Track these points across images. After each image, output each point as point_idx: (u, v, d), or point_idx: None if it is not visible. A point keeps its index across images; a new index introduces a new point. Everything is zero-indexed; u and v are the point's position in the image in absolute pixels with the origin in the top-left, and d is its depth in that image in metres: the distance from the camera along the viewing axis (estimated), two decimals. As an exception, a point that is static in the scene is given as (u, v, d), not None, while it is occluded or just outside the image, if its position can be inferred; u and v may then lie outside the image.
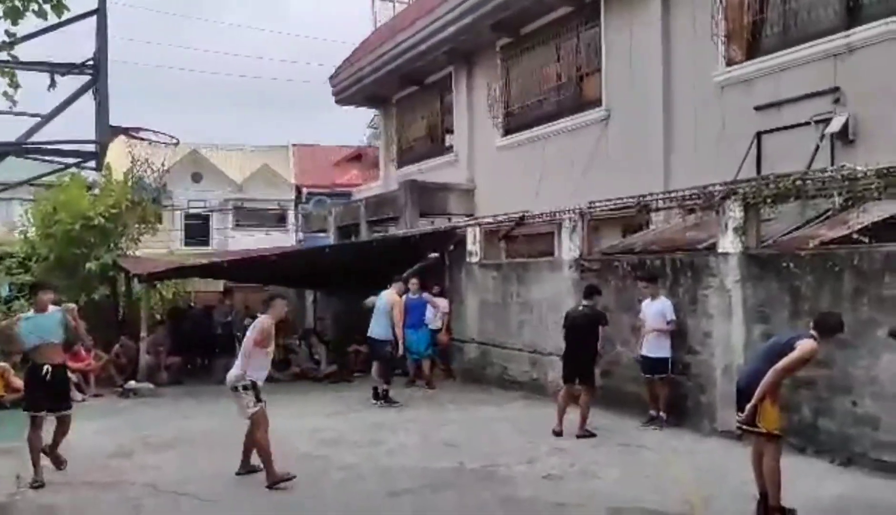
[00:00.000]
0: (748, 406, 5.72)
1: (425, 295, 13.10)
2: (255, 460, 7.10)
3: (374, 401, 11.27)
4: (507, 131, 16.21)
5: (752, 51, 10.95)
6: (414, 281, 12.90)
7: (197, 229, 35.26)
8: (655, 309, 9.23)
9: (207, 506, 6.49)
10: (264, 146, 39.82)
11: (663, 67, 12.12)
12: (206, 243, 34.69)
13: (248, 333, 7.31)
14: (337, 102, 22.44)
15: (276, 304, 7.41)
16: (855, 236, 7.71)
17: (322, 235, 21.57)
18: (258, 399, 7.00)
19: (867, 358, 7.21)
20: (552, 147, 14.58)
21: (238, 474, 7.19)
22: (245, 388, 6.98)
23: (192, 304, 17.45)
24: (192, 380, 13.90)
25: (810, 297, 7.77)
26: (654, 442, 8.38)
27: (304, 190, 35.50)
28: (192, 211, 35.20)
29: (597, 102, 13.66)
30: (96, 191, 16.39)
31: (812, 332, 5.84)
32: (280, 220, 36.40)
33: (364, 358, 13.86)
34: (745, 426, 5.89)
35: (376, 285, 12.19)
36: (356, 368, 14.30)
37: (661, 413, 9.13)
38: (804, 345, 5.68)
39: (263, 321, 7.23)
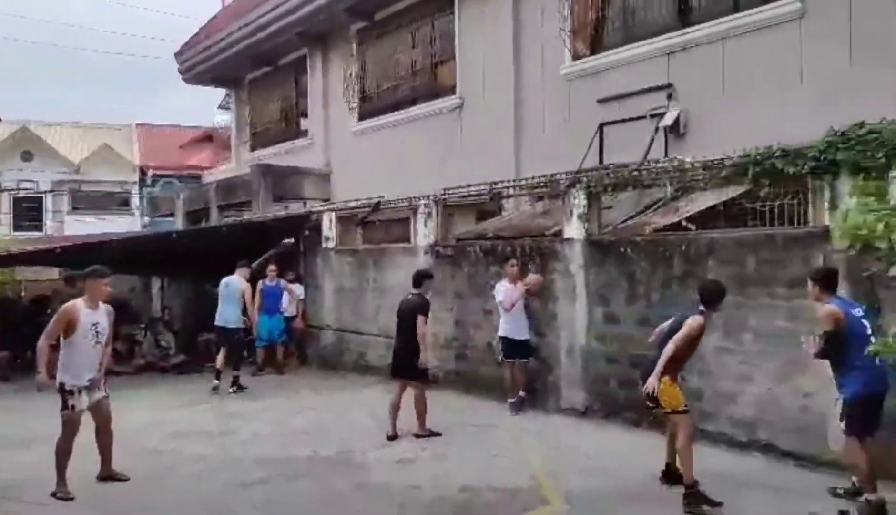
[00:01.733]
0: (645, 386, 5.94)
1: (282, 282, 12.88)
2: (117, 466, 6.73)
3: (231, 390, 11.08)
4: (363, 116, 16.13)
5: (596, 46, 11.50)
6: (272, 267, 12.66)
7: (28, 214, 32.59)
8: (516, 293, 9.20)
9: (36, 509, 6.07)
10: (104, 125, 37.33)
11: (514, 58, 12.47)
12: (39, 228, 32.12)
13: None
14: (184, 80, 21.42)
15: (88, 284, 6.43)
16: (684, 223, 8.31)
17: (170, 219, 20.60)
18: (66, 405, 6.29)
19: (694, 336, 7.80)
20: (408, 133, 14.66)
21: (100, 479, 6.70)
22: (59, 390, 6.32)
23: (22, 294, 16.16)
24: (21, 376, 12.87)
25: (645, 281, 8.31)
26: (505, 422, 8.68)
27: (150, 172, 33.71)
28: (22, 194, 32.49)
29: (451, 90, 13.86)
30: None
31: (700, 307, 6.03)
32: (123, 204, 34.32)
33: (216, 347, 13.42)
34: (652, 405, 6.08)
35: (228, 272, 11.81)
36: (207, 357, 13.79)
37: (521, 393, 9.23)
38: (690, 322, 5.92)
39: (66, 306, 6.39)
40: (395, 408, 8.18)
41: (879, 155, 6.31)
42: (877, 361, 5.31)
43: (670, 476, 6.23)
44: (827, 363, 5.72)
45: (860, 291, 6.34)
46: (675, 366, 6.02)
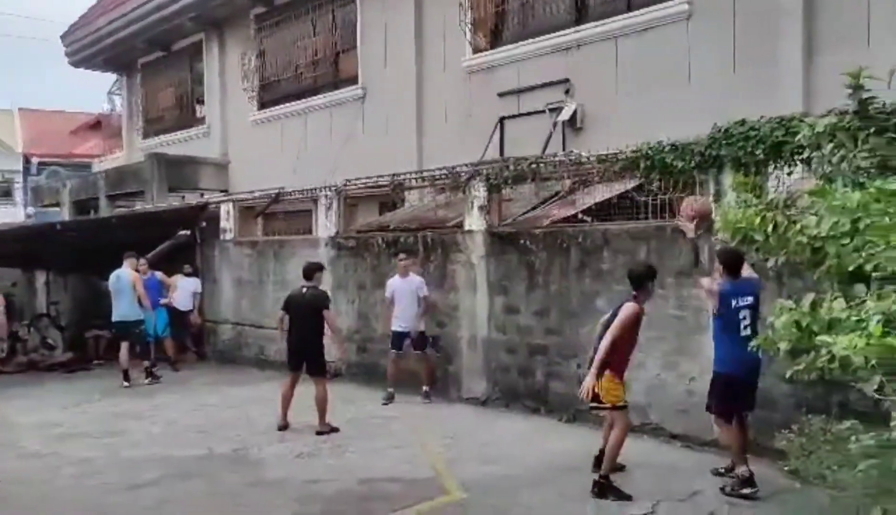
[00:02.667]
0: (584, 384, 5.82)
1: (157, 274, 12.40)
2: None
3: (146, 381, 11.02)
4: (263, 105, 15.77)
5: (496, 40, 11.65)
6: (143, 261, 11.98)
7: None
8: (414, 285, 9.31)
9: None
10: (-17, 108, 35.02)
11: (416, 50, 12.48)
12: None
13: None
14: (72, 64, 20.34)
15: None
16: (580, 215, 8.54)
17: (55, 210, 19.53)
18: None
19: (589, 325, 8.01)
20: (310, 123, 14.44)
21: None
22: None
23: None
24: None
25: (543, 271, 8.49)
26: (405, 414, 8.69)
27: (35, 160, 31.86)
28: None
29: (353, 80, 13.73)
30: None
31: (632, 293, 5.92)
32: (5, 194, 32.30)
33: (106, 344, 12.85)
34: (592, 405, 5.91)
35: (119, 265, 11.29)
36: (96, 355, 13.18)
37: (425, 387, 9.31)
38: (624, 311, 5.79)
39: None
40: (287, 400, 8.07)
41: (758, 151, 6.67)
42: (747, 348, 5.60)
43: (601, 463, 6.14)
44: (712, 346, 6.01)
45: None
46: (618, 359, 5.85)
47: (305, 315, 8.04)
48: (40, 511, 5.86)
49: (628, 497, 5.66)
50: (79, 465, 6.93)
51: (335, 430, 7.86)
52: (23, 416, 8.90)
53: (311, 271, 8.32)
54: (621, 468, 6.17)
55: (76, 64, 20.41)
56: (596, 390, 5.80)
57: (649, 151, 7.56)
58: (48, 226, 14.28)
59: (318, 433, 7.78)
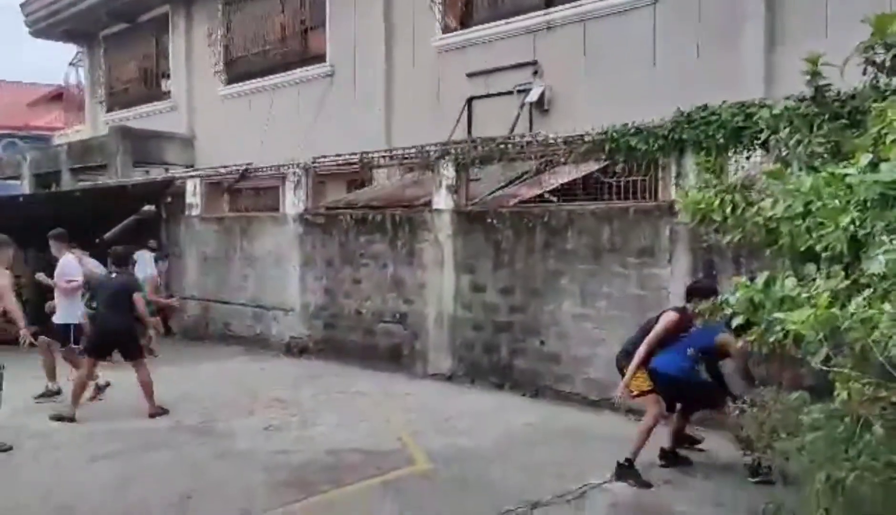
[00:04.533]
0: (623, 381, 5.95)
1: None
2: None
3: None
4: (231, 80, 15.63)
5: (466, 20, 11.70)
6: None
7: None
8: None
9: None
10: (-64, 78, 33.92)
11: (385, 29, 12.47)
12: None
13: None
14: (31, 34, 19.85)
15: None
16: (546, 195, 8.69)
17: (14, 182, 19.12)
18: None
19: (552, 303, 8.24)
20: (278, 100, 14.35)
21: None
22: None
23: None
24: None
25: (509, 250, 8.64)
26: (371, 388, 8.80)
27: (-8, 132, 31.03)
28: None
29: (321, 58, 13.67)
30: None
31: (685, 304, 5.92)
32: (-40, 165, 31.44)
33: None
34: (633, 398, 6.04)
35: (85, 240, 11.10)
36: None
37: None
38: (663, 318, 5.91)
39: None
40: (84, 385, 7.76)
41: (719, 136, 6.87)
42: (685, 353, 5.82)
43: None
44: None
45: (699, 258, 6.98)
46: (647, 359, 5.97)
47: (116, 302, 7.78)
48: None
49: (648, 485, 5.61)
50: (37, 438, 6.87)
51: (165, 412, 7.70)
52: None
53: (125, 256, 8.41)
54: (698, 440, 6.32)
55: (36, 35, 19.91)
56: (630, 385, 5.95)
57: (614, 134, 7.72)
58: (10, 198, 14.01)
59: (151, 416, 7.56)
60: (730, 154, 6.88)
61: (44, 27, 19.27)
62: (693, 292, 5.82)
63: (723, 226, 4.84)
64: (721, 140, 6.84)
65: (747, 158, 6.72)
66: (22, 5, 19.30)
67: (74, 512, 5.20)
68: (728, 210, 4.74)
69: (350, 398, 8.42)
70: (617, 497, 5.45)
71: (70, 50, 22.38)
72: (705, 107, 7.06)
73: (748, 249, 5.90)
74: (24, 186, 17.94)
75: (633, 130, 7.61)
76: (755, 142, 6.55)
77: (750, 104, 6.69)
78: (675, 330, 5.92)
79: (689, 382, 5.91)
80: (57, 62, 52.69)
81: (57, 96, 31.64)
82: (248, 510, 5.16)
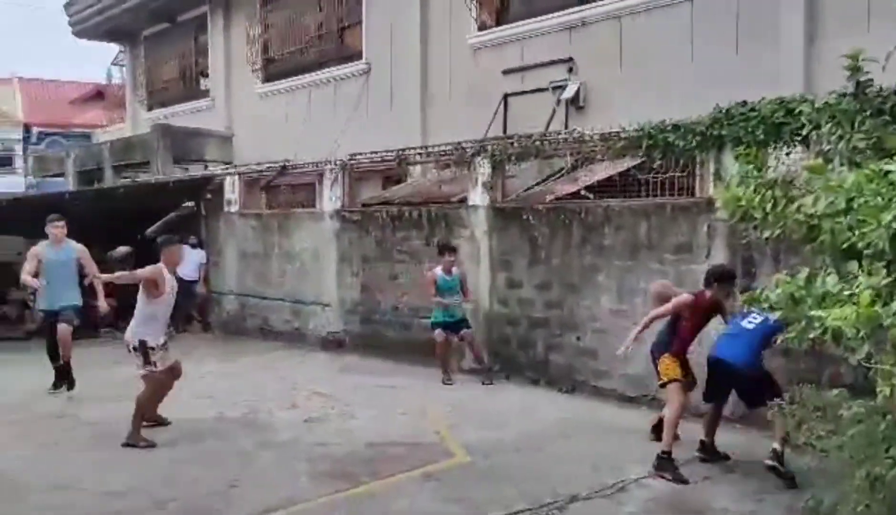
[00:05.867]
0: (631, 335, 6.22)
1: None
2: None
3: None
4: (268, 78, 15.86)
5: (502, 18, 11.74)
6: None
7: None
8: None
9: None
10: (-17, 77, 34.86)
11: (421, 26, 12.56)
12: None
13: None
14: (75, 34, 20.34)
15: (170, 250, 6.90)
16: (582, 192, 8.72)
17: (59, 179, 19.64)
18: (147, 361, 6.68)
19: (589, 299, 8.27)
20: (315, 97, 14.54)
21: None
22: (134, 349, 6.69)
23: None
24: None
25: (545, 246, 8.68)
26: (408, 383, 8.91)
27: (35, 129, 31.82)
28: None
29: (358, 55, 13.82)
30: None
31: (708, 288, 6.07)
32: (6, 162, 32.27)
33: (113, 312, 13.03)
34: (661, 386, 6.20)
35: (123, 235, 11.37)
36: (104, 323, 13.36)
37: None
38: (678, 298, 6.14)
39: (156, 268, 6.70)
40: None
41: (759, 132, 6.84)
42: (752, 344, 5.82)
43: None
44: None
45: (739, 255, 6.95)
46: (678, 339, 6.15)
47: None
48: (51, 471, 6.08)
49: (685, 481, 5.60)
50: (91, 426, 7.16)
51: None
52: (34, 380, 9.08)
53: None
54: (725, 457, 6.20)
55: (79, 35, 20.41)
56: (659, 370, 6.12)
57: (651, 131, 7.72)
58: (57, 195, 14.41)
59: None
60: (769, 150, 6.83)
61: (87, 27, 19.73)
62: (713, 277, 6.03)
63: (762, 222, 4.84)
64: (761, 136, 6.80)
65: (787, 154, 6.67)
66: (66, 6, 19.78)
67: (126, 497, 5.38)
68: (769, 206, 4.75)
69: (387, 392, 8.54)
70: (655, 492, 5.48)
71: (105, 49, 22.87)
72: (744, 103, 7.03)
73: (787, 245, 5.91)
74: (69, 184, 18.41)
75: (670, 127, 7.60)
76: (795, 138, 6.52)
77: (790, 100, 6.65)
78: (699, 310, 6.05)
79: (758, 373, 5.90)
80: (96, 61, 53.76)
81: (97, 95, 32.38)
82: (291, 498, 5.30)
